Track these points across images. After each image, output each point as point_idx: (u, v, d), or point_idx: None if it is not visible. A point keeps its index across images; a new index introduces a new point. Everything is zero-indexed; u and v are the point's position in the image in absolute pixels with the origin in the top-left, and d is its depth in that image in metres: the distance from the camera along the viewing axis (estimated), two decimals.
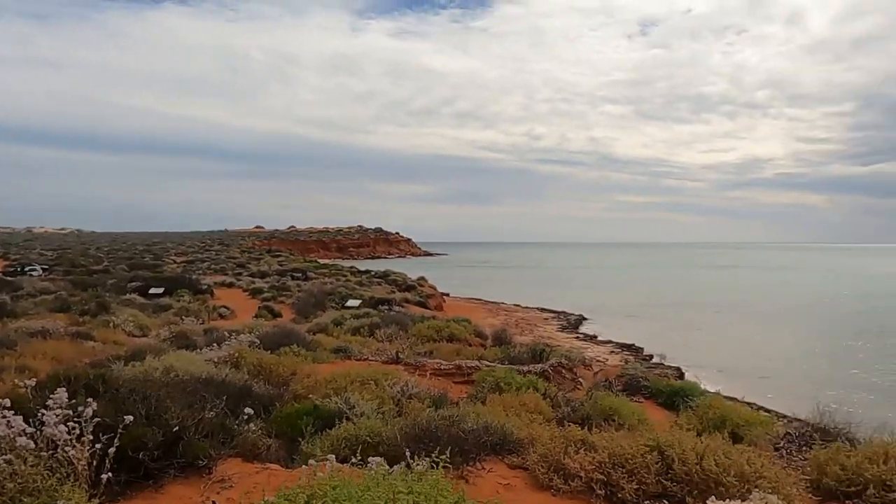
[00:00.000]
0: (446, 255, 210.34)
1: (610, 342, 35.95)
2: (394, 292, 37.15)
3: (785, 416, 18.40)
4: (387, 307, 26.26)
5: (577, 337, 37.91)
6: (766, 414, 19.66)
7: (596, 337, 37.99)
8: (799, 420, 12.74)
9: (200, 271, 50.92)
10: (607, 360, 28.08)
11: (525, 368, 11.41)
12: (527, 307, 51.92)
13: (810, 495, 5.61)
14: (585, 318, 46.31)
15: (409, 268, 77.36)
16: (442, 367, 11.79)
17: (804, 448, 6.89)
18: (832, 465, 5.72)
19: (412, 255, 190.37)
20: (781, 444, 7.27)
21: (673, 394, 12.12)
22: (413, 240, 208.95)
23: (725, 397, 21.84)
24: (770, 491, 4.68)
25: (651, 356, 32.01)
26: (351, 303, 28.07)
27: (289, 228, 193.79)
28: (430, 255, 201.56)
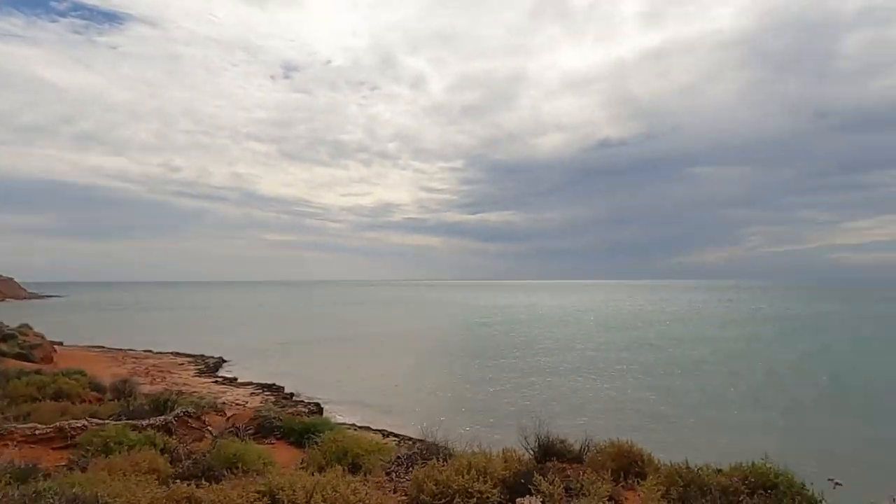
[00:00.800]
0: (62, 297, 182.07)
1: (251, 384, 35.17)
2: None
3: (410, 439, 20.35)
4: None
5: (216, 381, 36.14)
6: (394, 438, 21.53)
7: (236, 379, 36.79)
8: (420, 441, 14.03)
9: None
10: (247, 402, 27.36)
11: (144, 423, 10.33)
12: (160, 352, 47.70)
13: None
14: (225, 361, 44.59)
15: (9, 313, 64.65)
16: (37, 431, 9.95)
17: (410, 469, 7.62)
18: (428, 481, 6.44)
19: (14, 298, 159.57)
20: (392, 468, 7.93)
21: (304, 431, 12.27)
22: (16, 279, 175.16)
23: (359, 427, 23.37)
24: None
25: (292, 394, 32.28)
26: None
27: None
28: (40, 297, 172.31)
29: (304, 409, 25.84)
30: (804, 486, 8.28)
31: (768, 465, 8.78)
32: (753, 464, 8.93)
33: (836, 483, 5.18)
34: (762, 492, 8.21)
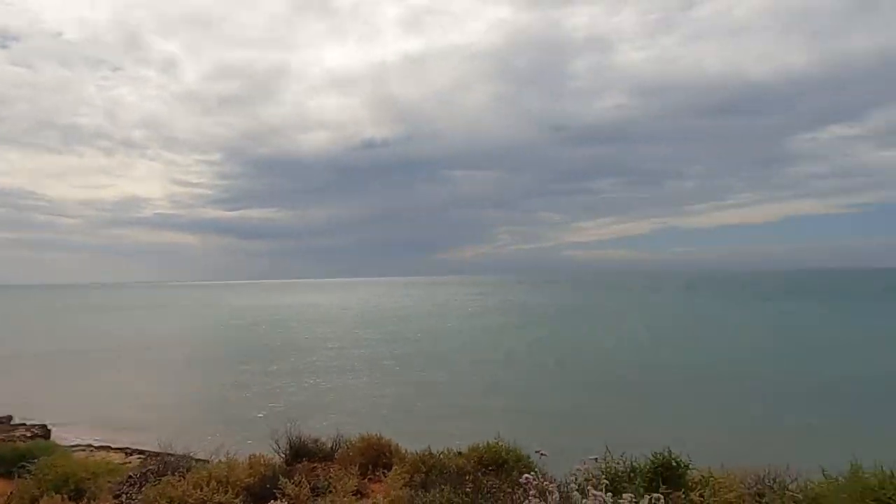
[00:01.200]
0: None
1: None
2: None
3: (158, 454, 18.82)
4: None
5: None
6: (139, 456, 19.69)
7: None
8: (161, 455, 13.07)
9: None
10: None
11: None
12: None
13: None
14: None
15: None
16: None
17: (143, 488, 7.13)
18: (161, 499, 6.11)
19: None
20: (122, 489, 7.34)
21: (18, 458, 10.72)
22: None
23: (96, 447, 20.98)
24: None
25: (10, 417, 27.92)
26: None
27: None
28: None
29: (25, 434, 22.47)
30: (529, 458, 9.50)
31: (500, 444, 9.92)
32: (488, 444, 10.01)
33: (542, 454, 6.05)
34: (493, 468, 9.24)
